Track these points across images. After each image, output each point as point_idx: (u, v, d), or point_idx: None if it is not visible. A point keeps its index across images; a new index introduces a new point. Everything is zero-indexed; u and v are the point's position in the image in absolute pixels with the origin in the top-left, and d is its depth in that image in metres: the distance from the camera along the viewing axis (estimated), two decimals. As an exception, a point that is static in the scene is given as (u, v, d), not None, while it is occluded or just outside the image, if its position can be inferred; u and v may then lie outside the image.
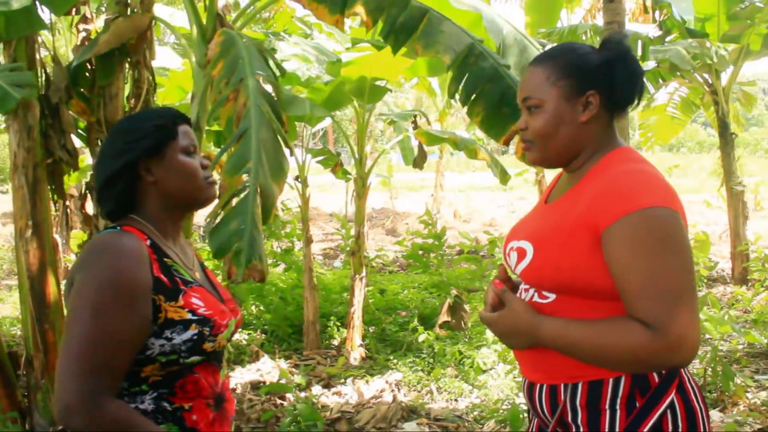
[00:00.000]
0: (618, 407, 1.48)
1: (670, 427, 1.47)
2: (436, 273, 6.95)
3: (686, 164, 29.37)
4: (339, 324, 6.16)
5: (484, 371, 4.97)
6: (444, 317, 5.93)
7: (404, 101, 23.82)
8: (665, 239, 1.44)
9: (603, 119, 1.61)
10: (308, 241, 5.82)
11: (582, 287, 1.51)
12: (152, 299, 1.44)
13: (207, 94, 3.68)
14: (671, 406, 1.48)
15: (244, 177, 2.83)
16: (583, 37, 8.37)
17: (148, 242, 1.51)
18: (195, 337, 1.46)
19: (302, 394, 4.52)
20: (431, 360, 5.27)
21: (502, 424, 4.05)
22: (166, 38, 10.73)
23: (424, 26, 3.29)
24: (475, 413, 4.33)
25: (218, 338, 1.51)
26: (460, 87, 3.35)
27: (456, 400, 4.60)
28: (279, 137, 3.16)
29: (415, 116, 6.98)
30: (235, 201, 2.78)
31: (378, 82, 5.43)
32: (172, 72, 6.02)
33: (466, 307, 5.95)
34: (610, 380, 1.49)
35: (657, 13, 7.64)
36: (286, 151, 3.24)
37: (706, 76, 7.84)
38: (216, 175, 1.72)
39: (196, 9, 3.68)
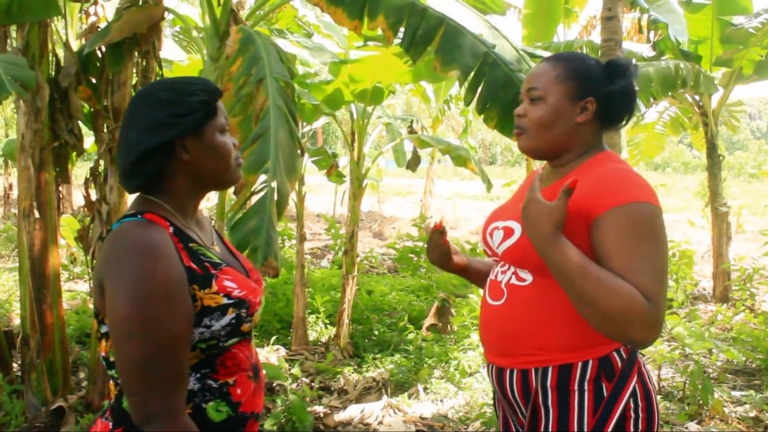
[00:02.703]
0: (586, 388, 1.62)
1: (632, 413, 1.62)
2: (425, 276, 7.04)
3: (671, 184, 29.69)
4: (327, 322, 6.24)
5: (470, 374, 5.06)
6: (431, 320, 6.01)
7: (395, 106, 23.93)
8: (655, 229, 1.58)
9: (594, 126, 1.77)
10: (302, 239, 5.89)
11: None
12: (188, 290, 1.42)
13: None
14: (634, 392, 1.63)
15: (262, 176, 2.91)
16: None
17: (171, 229, 1.47)
18: (233, 321, 1.46)
19: (294, 386, 4.59)
20: (418, 361, 5.35)
21: (486, 426, 4.14)
22: (166, 31, 10.75)
23: (441, 38, 3.40)
24: (460, 414, 4.42)
25: (254, 317, 1.53)
26: (476, 96, 3.46)
27: (441, 400, 4.68)
28: (294, 138, 3.24)
29: (412, 121, 7.09)
30: (254, 199, 2.86)
31: (380, 84, 5.51)
32: (176, 65, 6.07)
33: (453, 311, 6.03)
34: (579, 364, 1.63)
35: (652, 33, 7.80)
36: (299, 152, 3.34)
37: (696, 97, 7.99)
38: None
39: (210, 2, 3.75)
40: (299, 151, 3.24)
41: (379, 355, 5.46)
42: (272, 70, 3.31)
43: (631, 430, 1.61)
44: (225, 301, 1.46)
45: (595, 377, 1.62)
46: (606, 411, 1.61)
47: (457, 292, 6.73)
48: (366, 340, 5.88)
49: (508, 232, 1.73)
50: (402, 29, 3.43)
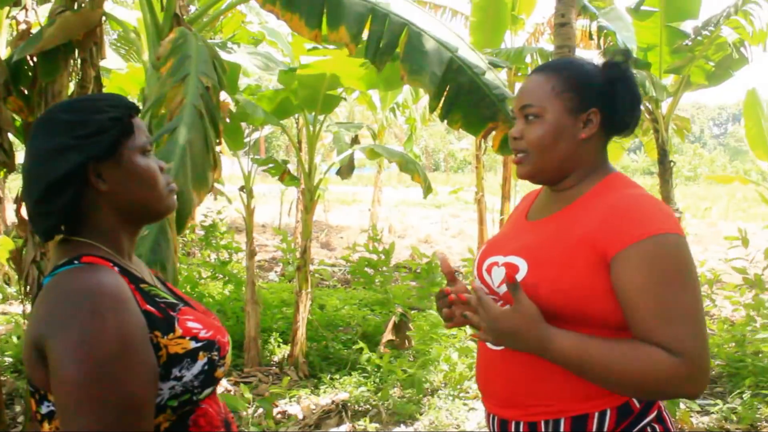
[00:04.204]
0: None
1: None
2: (381, 290, 6.83)
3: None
4: (280, 340, 5.97)
5: (432, 393, 4.88)
6: (388, 336, 5.81)
7: (337, 113, 23.71)
8: (681, 265, 1.38)
9: (599, 140, 1.57)
10: (252, 254, 5.62)
11: (573, 311, 1.42)
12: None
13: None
14: (650, 424, 1.45)
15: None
16: (528, 59, 8.48)
17: (116, 269, 1.23)
18: (206, 367, 1.24)
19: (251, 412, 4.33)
20: (377, 380, 5.14)
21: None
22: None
23: (406, 45, 3.20)
24: (426, 436, 4.23)
25: (226, 360, 1.30)
26: (441, 103, 3.28)
27: (404, 422, 4.48)
28: (208, 146, 2.94)
29: (356, 133, 6.91)
30: None
31: (331, 92, 5.30)
32: (114, 73, 5.76)
33: (411, 325, 5.84)
34: (596, 414, 1.43)
35: (601, 40, 7.78)
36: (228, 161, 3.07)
37: (647, 104, 7.99)
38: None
39: (152, 8, 3.48)
40: (212, 162, 2.92)
41: (336, 375, 5.23)
42: (198, 69, 3.03)
43: None
44: (193, 345, 1.23)
45: (614, 429, 1.43)
46: None
47: (415, 306, 6.54)
48: (321, 359, 5.64)
49: (511, 270, 1.50)
50: (365, 38, 3.23)
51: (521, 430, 1.49)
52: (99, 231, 1.28)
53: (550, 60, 1.64)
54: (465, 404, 4.65)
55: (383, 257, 6.71)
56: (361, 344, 5.37)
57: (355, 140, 6.37)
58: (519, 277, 1.47)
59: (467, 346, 5.13)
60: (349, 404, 4.65)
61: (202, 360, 1.23)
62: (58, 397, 1.11)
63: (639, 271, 1.36)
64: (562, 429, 1.44)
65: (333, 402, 4.67)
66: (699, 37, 6.97)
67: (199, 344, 1.24)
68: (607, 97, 1.53)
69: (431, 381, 4.98)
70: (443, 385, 4.98)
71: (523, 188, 12.92)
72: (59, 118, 1.25)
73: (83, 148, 1.22)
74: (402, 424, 4.44)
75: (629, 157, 47.14)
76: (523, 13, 9.67)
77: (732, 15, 6.89)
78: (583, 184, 1.55)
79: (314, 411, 4.53)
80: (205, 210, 9.26)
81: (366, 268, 6.87)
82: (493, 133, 3.41)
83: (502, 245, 1.62)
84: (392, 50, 3.27)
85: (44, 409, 1.20)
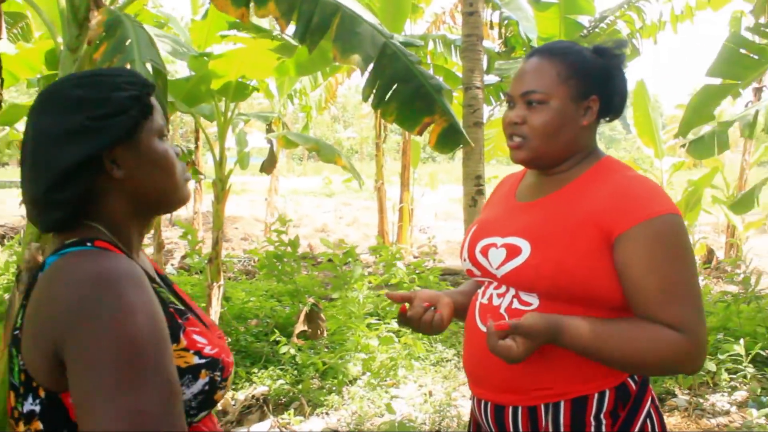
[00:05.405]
0: (603, 417, 1.45)
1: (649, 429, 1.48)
2: (289, 281, 6.73)
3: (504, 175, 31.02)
4: (189, 335, 5.77)
5: (351, 382, 4.85)
6: (301, 326, 5.73)
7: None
8: (683, 246, 1.43)
9: (594, 127, 1.59)
10: (160, 247, 5.41)
11: (576, 291, 1.43)
12: None
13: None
14: (649, 414, 1.49)
15: None
16: (430, 46, 8.58)
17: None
18: (207, 387, 1.11)
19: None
20: (295, 372, 5.06)
21: (384, 438, 3.95)
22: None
23: (338, 27, 3.13)
24: (351, 426, 4.20)
25: (228, 382, 1.18)
26: (374, 90, 3.23)
27: (327, 413, 4.43)
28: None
29: (270, 120, 6.77)
30: None
31: (243, 80, 5.15)
32: (3, 55, 5.35)
33: (323, 315, 5.79)
34: (595, 395, 1.45)
35: (502, 30, 7.97)
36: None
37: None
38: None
39: (67, -15, 3.26)
40: None
41: (253, 369, 5.11)
42: (141, 54, 2.89)
43: None
44: (196, 360, 1.10)
45: (613, 408, 1.45)
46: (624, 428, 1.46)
47: (324, 296, 6.49)
48: (235, 353, 5.50)
49: (513, 251, 1.49)
50: (295, 18, 3.13)
51: (520, 415, 1.48)
52: (107, 222, 1.15)
53: (549, 43, 1.64)
54: (387, 392, 4.65)
55: (290, 249, 6.60)
56: (276, 336, 5.28)
57: (269, 129, 6.23)
58: (522, 258, 1.47)
59: (388, 335, 5.14)
60: (269, 398, 4.56)
61: (203, 379, 1.10)
62: (89, 385, 0.94)
63: (644, 251, 1.39)
64: (562, 411, 1.45)
65: (253, 396, 4.57)
66: (596, 29, 7.25)
67: (203, 361, 1.11)
68: (605, 84, 1.55)
69: (350, 371, 4.95)
70: (364, 374, 4.96)
71: (422, 176, 13.06)
72: (72, 94, 1.11)
73: (102, 131, 1.09)
74: (326, 415, 4.39)
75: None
76: (423, 2, 9.76)
77: (626, 10, 7.19)
78: (579, 167, 1.57)
79: (234, 406, 4.41)
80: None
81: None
82: (430, 127, 3.38)
83: (497, 226, 1.60)
84: (324, 30, 3.20)
85: (26, 408, 1.05)
